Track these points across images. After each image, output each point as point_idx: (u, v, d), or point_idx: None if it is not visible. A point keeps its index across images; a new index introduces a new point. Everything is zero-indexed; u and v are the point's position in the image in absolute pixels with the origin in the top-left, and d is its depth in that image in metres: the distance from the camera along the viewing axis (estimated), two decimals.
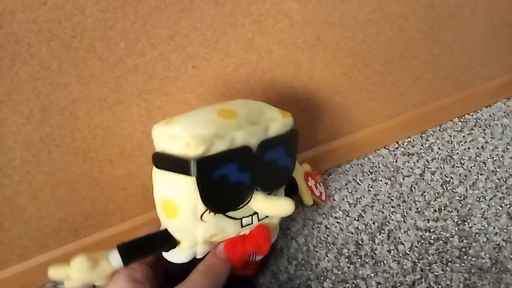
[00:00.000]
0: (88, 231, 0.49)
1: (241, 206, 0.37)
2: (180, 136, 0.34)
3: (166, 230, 0.38)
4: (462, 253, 0.54)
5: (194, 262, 0.38)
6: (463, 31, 0.61)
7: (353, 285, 0.51)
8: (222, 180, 0.34)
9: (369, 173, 0.62)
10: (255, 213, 0.39)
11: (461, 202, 0.59)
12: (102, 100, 0.42)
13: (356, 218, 0.57)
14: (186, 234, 0.37)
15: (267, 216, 0.40)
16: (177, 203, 0.35)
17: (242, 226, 0.39)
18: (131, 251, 0.36)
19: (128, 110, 0.44)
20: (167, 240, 0.37)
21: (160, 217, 0.38)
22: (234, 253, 0.39)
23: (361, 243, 0.54)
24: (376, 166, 0.63)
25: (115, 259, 0.35)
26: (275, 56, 0.48)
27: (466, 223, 0.57)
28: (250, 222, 0.39)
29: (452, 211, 0.58)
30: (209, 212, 0.35)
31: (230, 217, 0.38)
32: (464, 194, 0.60)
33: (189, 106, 0.46)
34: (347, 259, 0.53)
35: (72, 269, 0.35)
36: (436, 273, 0.52)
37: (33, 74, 0.38)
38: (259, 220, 0.40)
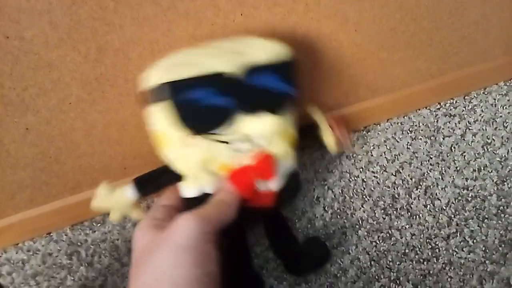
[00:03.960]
0: (136, 169, 0.51)
1: (219, 127, 0.39)
2: (155, 71, 0.39)
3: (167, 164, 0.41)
4: (499, 211, 0.54)
5: (208, 199, 0.40)
6: None
7: (388, 235, 0.52)
8: (195, 102, 0.37)
9: (408, 131, 0.62)
10: (248, 139, 0.40)
11: (502, 163, 0.59)
12: (153, 43, 0.43)
13: (394, 174, 0.58)
14: (183, 164, 0.40)
15: (264, 146, 0.41)
16: (162, 132, 0.39)
17: (234, 151, 0.40)
18: (143, 182, 0.42)
19: None
20: (172, 172, 0.41)
21: (158, 152, 0.41)
22: (236, 181, 0.40)
23: (397, 196, 0.55)
24: (416, 125, 0.63)
25: (130, 190, 0.42)
26: (323, 7, 0.48)
27: (505, 183, 0.56)
28: (244, 148, 0.40)
29: (491, 171, 0.58)
30: (193, 136, 0.38)
31: (218, 141, 0.39)
32: (505, 156, 0.59)
33: None
34: (382, 211, 0.54)
35: (97, 195, 0.42)
36: (472, 229, 0.52)
37: (91, 14, 0.39)
38: (254, 147, 0.41)
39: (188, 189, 0.42)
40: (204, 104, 0.37)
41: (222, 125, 0.39)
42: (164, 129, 0.39)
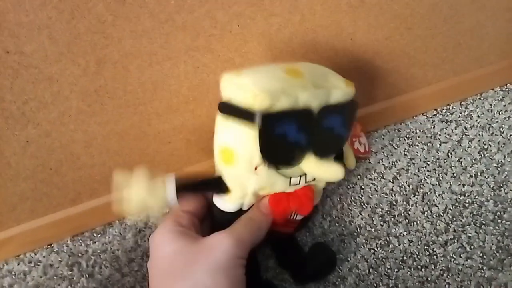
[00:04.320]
0: None
1: (293, 165, 0.38)
2: (249, 87, 0.36)
3: (220, 176, 0.40)
4: (496, 217, 0.54)
5: (240, 214, 0.41)
6: None
7: (386, 242, 0.52)
8: (282, 136, 0.36)
9: (405, 138, 0.63)
10: (304, 174, 0.41)
11: (498, 169, 0.59)
12: (152, 55, 0.44)
13: (391, 180, 0.58)
14: (238, 184, 0.40)
15: (314, 179, 0.42)
16: (235, 152, 0.38)
17: (290, 185, 0.40)
18: (185, 183, 0.40)
19: (176, 66, 0.46)
20: (220, 185, 0.40)
21: (217, 163, 0.40)
22: (277, 208, 0.41)
23: (395, 203, 0.56)
24: (413, 132, 0.64)
25: (170, 183, 0.39)
26: (318, 18, 0.49)
27: (502, 189, 0.57)
28: (298, 182, 0.41)
29: (488, 177, 0.58)
30: (264, 166, 0.37)
31: (281, 174, 0.39)
32: (501, 161, 0.60)
33: (232, 65, 0.48)
34: (380, 218, 0.54)
35: (135, 176, 0.39)
36: (469, 235, 0.53)
37: (90, 28, 0.40)
38: (306, 182, 0.41)
39: (229, 204, 0.41)
40: (289, 141, 0.37)
41: (297, 162, 0.38)
42: (238, 149, 0.38)
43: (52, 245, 0.53)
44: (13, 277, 0.50)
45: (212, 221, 0.43)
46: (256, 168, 0.38)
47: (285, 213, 0.42)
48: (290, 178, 0.40)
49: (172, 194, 0.39)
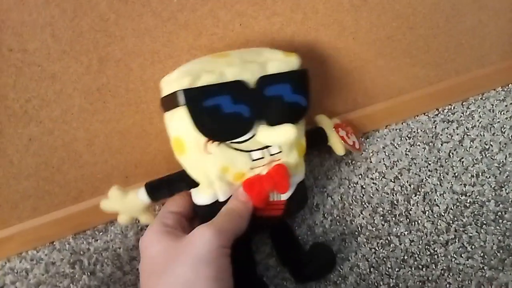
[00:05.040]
0: (137, 178, 0.52)
1: (242, 136, 0.39)
2: (173, 77, 0.39)
3: (183, 170, 0.42)
4: (497, 216, 0.54)
5: (220, 207, 0.41)
6: None
7: (387, 241, 0.52)
8: (215, 109, 0.37)
9: (407, 138, 0.63)
10: (265, 147, 0.41)
11: (500, 169, 0.59)
12: (154, 54, 0.44)
13: (392, 180, 0.58)
14: (200, 171, 0.41)
15: (280, 152, 0.42)
16: (182, 139, 0.40)
17: (252, 160, 0.41)
18: (155, 187, 0.43)
19: (178, 65, 0.45)
20: (186, 178, 0.42)
21: (176, 157, 0.42)
22: (251, 192, 0.41)
23: (396, 203, 0.56)
24: (414, 132, 0.64)
25: (142, 193, 0.43)
26: (320, 16, 0.49)
27: (503, 189, 0.57)
28: (261, 156, 0.41)
29: (489, 177, 0.58)
30: (211, 143, 0.39)
31: (237, 149, 0.40)
32: (503, 161, 0.60)
33: None
34: (381, 217, 0.54)
35: (109, 197, 0.43)
36: (470, 234, 0.53)
37: (93, 26, 0.40)
38: (271, 155, 0.41)
39: (202, 196, 0.42)
40: (225, 112, 0.38)
41: (242, 133, 0.39)
42: (183, 135, 0.39)
43: (54, 243, 0.53)
44: (15, 274, 0.51)
45: (199, 219, 0.44)
46: (206, 148, 0.39)
47: (263, 195, 0.42)
48: (250, 152, 0.40)
49: (143, 196, 0.43)
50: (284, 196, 0.44)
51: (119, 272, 0.51)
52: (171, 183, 0.44)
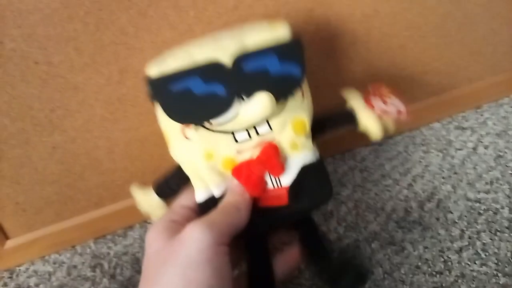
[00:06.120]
0: None
1: (218, 117, 0.36)
2: (148, 69, 0.37)
3: (178, 165, 0.40)
4: (511, 223, 0.54)
5: (217, 204, 0.38)
6: None
7: (401, 248, 0.53)
8: (185, 92, 0.35)
9: (421, 145, 0.64)
10: (252, 127, 0.37)
11: None
12: None
13: (406, 187, 0.59)
14: (187, 162, 0.38)
15: (270, 131, 0.38)
16: (164, 129, 0.39)
17: (237, 142, 0.37)
18: (159, 185, 0.42)
19: None
20: (181, 174, 0.39)
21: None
22: (240, 176, 0.38)
23: (410, 210, 0.56)
24: (428, 139, 0.64)
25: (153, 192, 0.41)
26: (333, 27, 0.50)
27: None
28: (247, 137, 0.37)
29: (503, 184, 0.58)
30: (188, 128, 0.37)
31: (218, 132, 0.37)
32: None
33: None
34: (395, 224, 0.55)
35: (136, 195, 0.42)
36: (484, 241, 0.53)
37: (113, 39, 0.42)
38: (258, 135, 0.37)
39: (198, 193, 0.39)
40: (196, 94, 0.35)
41: (218, 113, 0.36)
42: (163, 127, 0.39)
43: (76, 247, 0.55)
44: (39, 277, 0.53)
45: None
46: (185, 134, 0.37)
47: (253, 180, 0.38)
48: (233, 133, 0.37)
49: (155, 199, 0.41)
50: (285, 182, 0.39)
51: (138, 276, 0.52)
52: (169, 180, 0.42)
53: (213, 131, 0.37)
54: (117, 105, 0.46)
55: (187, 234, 0.33)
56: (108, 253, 0.54)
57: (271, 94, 0.35)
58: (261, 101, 0.34)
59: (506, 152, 0.62)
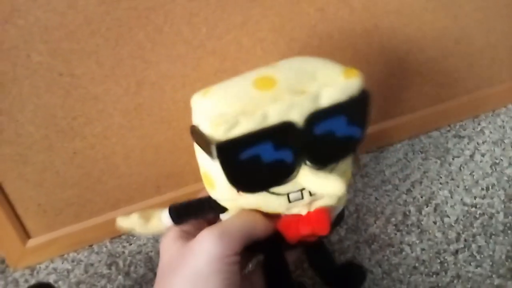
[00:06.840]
0: (168, 188, 0.57)
1: (282, 183, 0.34)
2: (207, 113, 0.33)
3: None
4: (506, 227, 0.57)
5: None
6: None
7: (399, 249, 0.56)
8: (253, 160, 0.32)
9: (420, 152, 0.66)
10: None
11: (509, 182, 0.62)
12: (185, 77, 0.49)
13: (405, 192, 0.62)
14: (231, 204, 0.37)
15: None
16: (213, 177, 0.35)
17: (290, 202, 0.35)
18: (180, 212, 0.38)
19: (206, 87, 0.51)
20: (215, 206, 0.38)
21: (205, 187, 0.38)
22: (287, 232, 0.37)
23: (408, 213, 0.59)
24: (426, 146, 0.67)
25: (166, 217, 0.38)
26: (335, 41, 0.53)
27: None
28: (300, 198, 0.35)
29: (499, 190, 0.61)
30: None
31: (273, 193, 0.35)
32: None
33: None
34: (394, 227, 0.58)
35: (129, 220, 0.39)
36: (480, 244, 0.56)
37: (131, 53, 0.45)
38: (311, 195, 0.36)
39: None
40: (264, 162, 0.32)
41: (282, 181, 0.34)
42: (214, 176, 0.34)
43: (93, 246, 0.58)
44: (58, 274, 0.56)
45: None
46: (238, 192, 0.34)
47: (299, 238, 0.37)
48: (288, 195, 0.35)
49: (166, 220, 0.38)
50: None
51: (150, 274, 0.55)
52: (199, 209, 0.39)
53: (269, 192, 0.35)
54: (134, 114, 0.50)
55: (197, 244, 0.33)
56: (123, 252, 0.57)
57: (344, 181, 0.33)
58: (336, 186, 0.32)
59: (502, 160, 0.65)
